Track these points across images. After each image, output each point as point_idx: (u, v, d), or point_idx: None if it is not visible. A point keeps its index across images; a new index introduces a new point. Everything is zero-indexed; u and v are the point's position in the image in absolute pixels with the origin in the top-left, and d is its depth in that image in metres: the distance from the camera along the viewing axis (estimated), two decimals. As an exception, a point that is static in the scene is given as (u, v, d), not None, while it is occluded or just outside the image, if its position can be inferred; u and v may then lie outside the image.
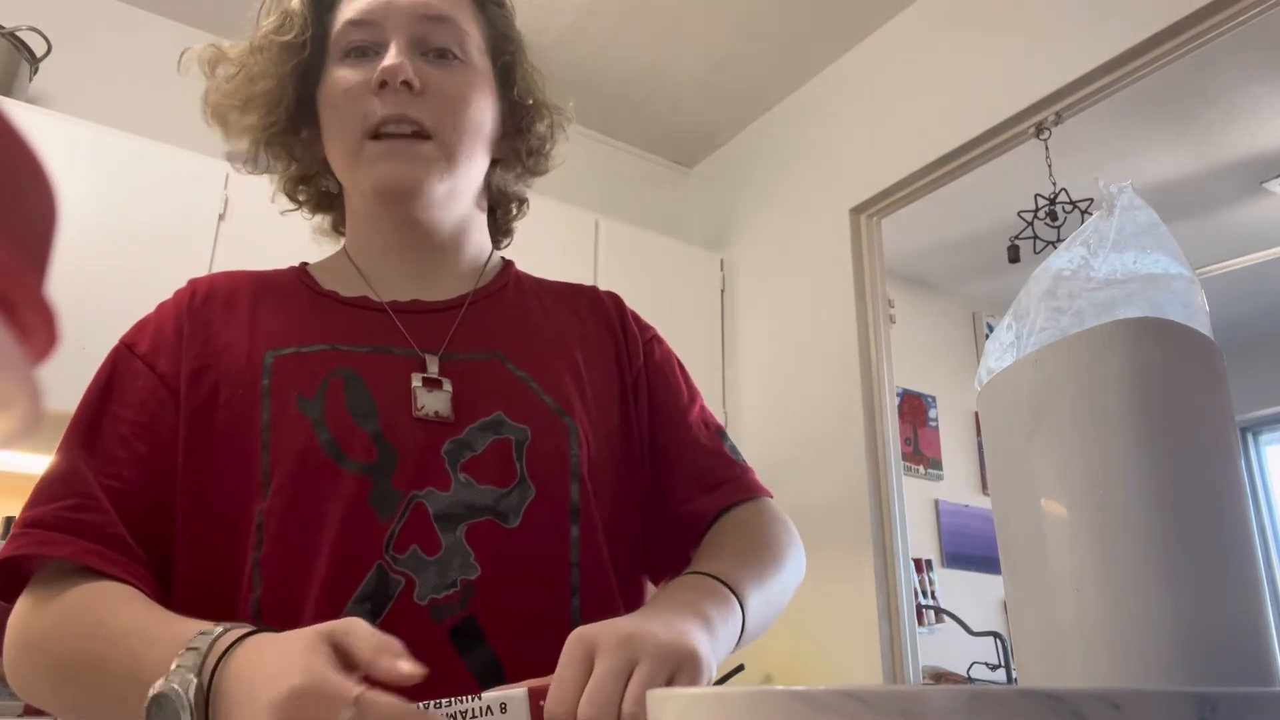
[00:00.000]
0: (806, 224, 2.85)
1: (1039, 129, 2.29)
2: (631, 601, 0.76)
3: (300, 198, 0.91)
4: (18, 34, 2.22)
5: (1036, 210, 2.64)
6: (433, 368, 0.75)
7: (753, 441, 2.83)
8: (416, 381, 0.73)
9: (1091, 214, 0.51)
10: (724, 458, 0.85)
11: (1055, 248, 0.59)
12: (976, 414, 0.50)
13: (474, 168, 0.80)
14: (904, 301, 3.87)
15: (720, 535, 0.78)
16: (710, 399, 2.92)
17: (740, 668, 2.54)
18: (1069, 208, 2.59)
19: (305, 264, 0.86)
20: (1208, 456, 0.41)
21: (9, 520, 2.03)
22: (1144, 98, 2.74)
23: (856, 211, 2.70)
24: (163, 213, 2.22)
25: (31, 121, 2.06)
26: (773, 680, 2.55)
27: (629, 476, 0.80)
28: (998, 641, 3.22)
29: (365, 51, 0.77)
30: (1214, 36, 1.96)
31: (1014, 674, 2.73)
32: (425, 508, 0.68)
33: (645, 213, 3.23)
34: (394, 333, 0.77)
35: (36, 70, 2.31)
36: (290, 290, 0.81)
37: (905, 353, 3.56)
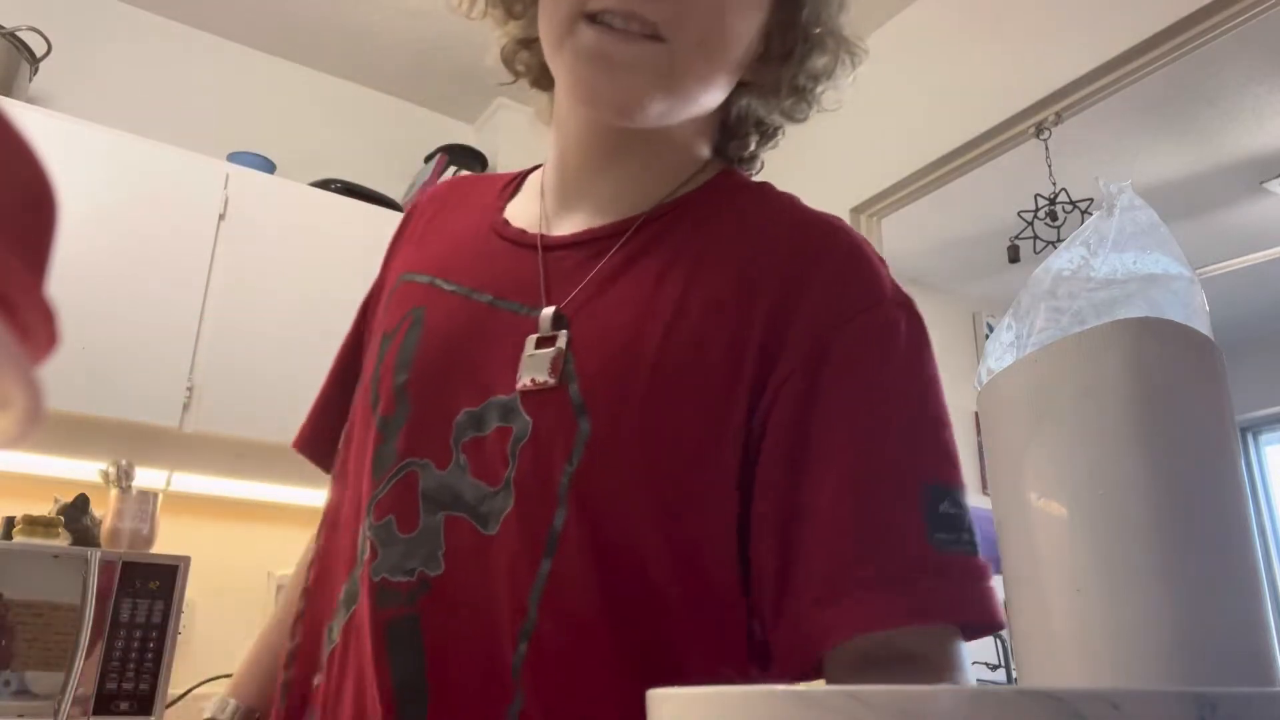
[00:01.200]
0: (806, 224, 2.85)
1: (1039, 129, 2.29)
2: (636, 675, 0.53)
3: (519, 67, 0.77)
4: (18, 34, 2.22)
5: (1036, 210, 2.64)
6: (546, 325, 0.61)
7: (753, 441, 2.83)
8: (530, 346, 0.61)
9: (1091, 214, 0.51)
10: (899, 553, 0.52)
11: (1055, 248, 0.59)
12: (976, 414, 0.50)
13: (709, 95, 0.64)
14: (904, 301, 3.86)
15: None
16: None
17: (740, 668, 2.54)
18: (1069, 208, 2.59)
19: (535, 170, 0.79)
20: (1208, 456, 0.41)
21: (9, 520, 2.03)
22: (1144, 98, 2.74)
23: (856, 211, 2.70)
24: (163, 213, 2.22)
25: (31, 121, 2.06)
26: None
27: (700, 510, 0.57)
28: (998, 641, 3.21)
29: None
30: (1214, 36, 1.96)
31: (1014, 674, 2.73)
32: (416, 479, 0.60)
33: (645, 213, 3.22)
34: (516, 277, 0.65)
35: (36, 70, 2.31)
36: (475, 207, 0.75)
37: (905, 353, 3.54)
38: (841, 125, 2.83)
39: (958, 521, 0.54)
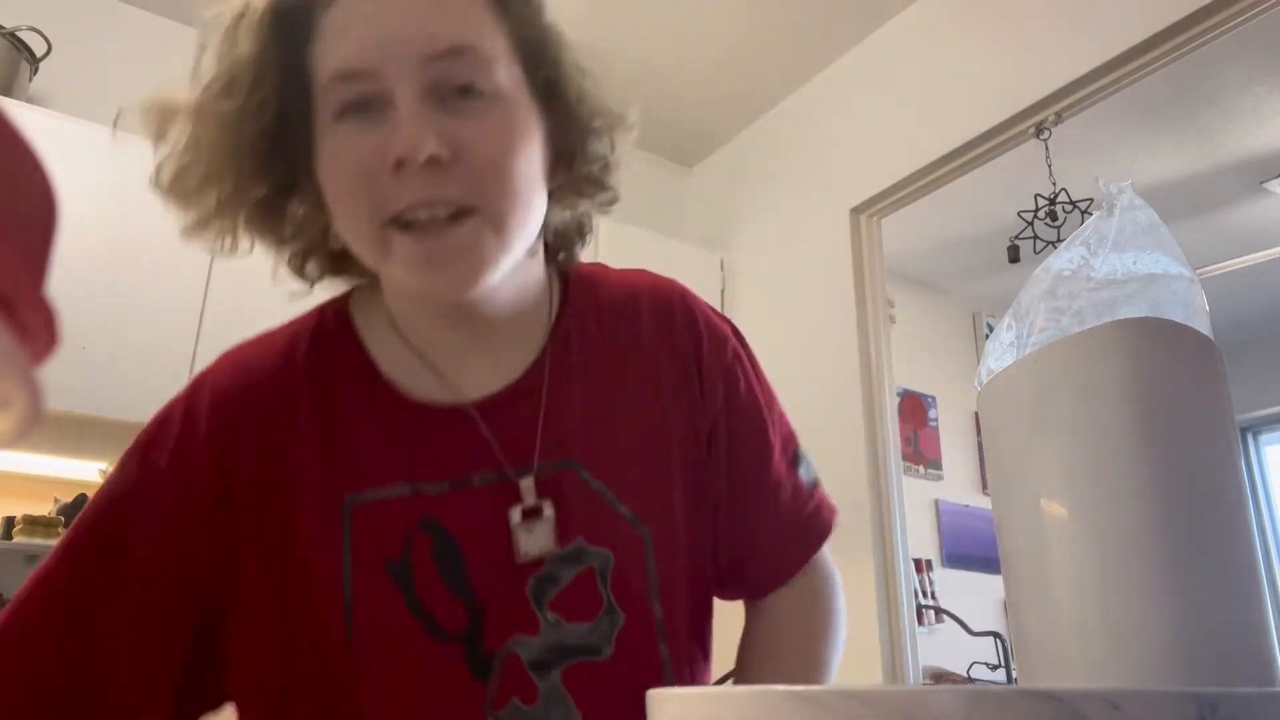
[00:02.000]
0: (806, 224, 2.85)
1: (1039, 129, 2.29)
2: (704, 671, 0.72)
3: (310, 275, 0.71)
4: (18, 34, 2.22)
5: (1036, 210, 2.64)
6: (529, 495, 0.65)
7: (753, 441, 2.83)
8: (515, 518, 0.64)
9: (1091, 214, 0.51)
10: (796, 524, 0.76)
11: (1055, 248, 0.60)
12: (976, 414, 0.50)
13: (530, 225, 0.64)
14: (904, 301, 3.87)
15: (761, 658, 0.74)
16: (710, 399, 2.95)
17: (740, 668, 2.54)
18: (1069, 208, 2.59)
19: (350, 319, 0.70)
20: (1208, 456, 0.41)
21: (9, 520, 2.03)
22: (1144, 98, 2.74)
23: (856, 211, 2.70)
24: (163, 213, 2.21)
25: (31, 121, 2.06)
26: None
27: (702, 548, 0.72)
28: (998, 641, 3.22)
29: (366, 106, 0.58)
30: (1214, 36, 1.96)
31: (1014, 674, 2.73)
32: (519, 658, 0.63)
33: (645, 212, 3.23)
34: (477, 451, 0.66)
35: (36, 70, 2.31)
36: (354, 395, 0.67)
37: (905, 353, 3.56)
38: (841, 126, 2.83)
39: (811, 476, 0.79)
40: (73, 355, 1.95)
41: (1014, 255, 2.75)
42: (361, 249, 0.62)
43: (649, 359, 0.72)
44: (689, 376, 0.72)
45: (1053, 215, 2.60)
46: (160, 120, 0.65)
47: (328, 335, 0.69)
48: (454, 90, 0.58)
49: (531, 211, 0.63)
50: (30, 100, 2.29)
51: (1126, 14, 2.04)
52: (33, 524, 2.00)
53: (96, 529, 0.63)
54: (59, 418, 1.93)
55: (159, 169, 0.66)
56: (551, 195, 0.68)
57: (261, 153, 0.63)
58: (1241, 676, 0.37)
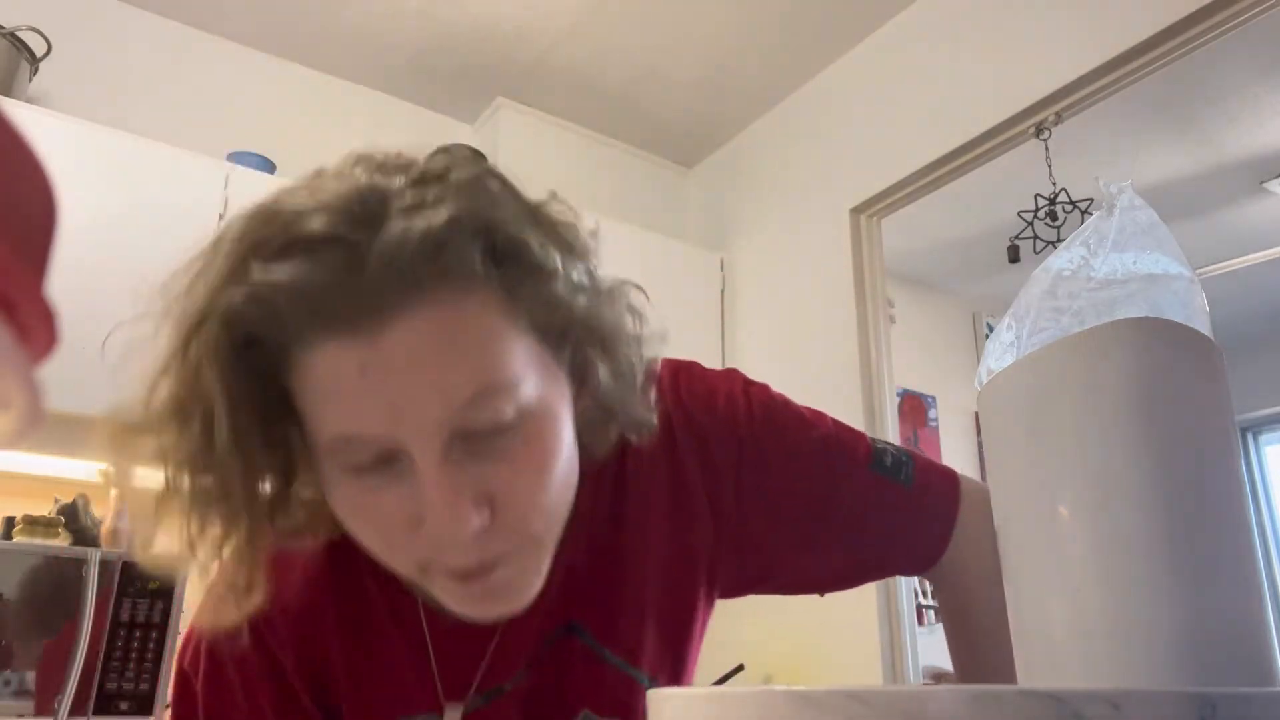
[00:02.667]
0: (806, 224, 2.85)
1: (1039, 129, 2.29)
2: None
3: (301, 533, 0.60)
4: (18, 34, 2.22)
5: (1036, 210, 2.64)
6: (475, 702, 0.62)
7: (753, 441, 2.83)
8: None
9: (1091, 214, 0.51)
10: (913, 523, 0.71)
11: (1055, 248, 0.60)
12: (976, 414, 0.50)
13: (567, 505, 0.57)
14: (904, 301, 3.87)
15: (952, 619, 0.72)
16: (710, 399, 2.95)
17: (740, 668, 2.54)
18: (1069, 208, 2.59)
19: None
20: (1208, 456, 0.41)
21: (9, 521, 2.03)
22: (1144, 98, 2.74)
23: (856, 211, 2.70)
24: (163, 213, 2.22)
25: (31, 121, 2.06)
26: (773, 680, 2.55)
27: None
28: (998, 641, 3.21)
29: (378, 465, 0.49)
30: (1214, 37, 1.96)
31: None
32: None
33: (645, 213, 3.23)
34: (490, 664, 0.63)
35: (36, 70, 2.31)
36: (381, 626, 0.63)
37: (905, 353, 3.56)
38: (841, 126, 2.83)
39: (896, 460, 0.71)
40: (73, 355, 1.95)
41: (1014, 255, 2.75)
42: (391, 565, 0.55)
43: (669, 524, 0.67)
44: (714, 491, 0.67)
45: (1053, 215, 2.60)
46: (122, 459, 0.55)
47: (342, 549, 0.61)
48: (481, 432, 0.49)
49: (566, 500, 0.57)
50: (30, 100, 2.29)
51: (1126, 14, 2.04)
52: (33, 524, 2.00)
53: None
54: (59, 418, 1.92)
55: (130, 543, 0.56)
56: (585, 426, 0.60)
57: (251, 495, 0.52)
58: (1241, 676, 0.37)
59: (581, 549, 0.64)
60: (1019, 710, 0.26)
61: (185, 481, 0.52)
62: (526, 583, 0.55)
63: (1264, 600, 0.40)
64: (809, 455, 0.69)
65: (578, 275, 0.54)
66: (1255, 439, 4.78)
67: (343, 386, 0.47)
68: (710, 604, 0.70)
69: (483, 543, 0.50)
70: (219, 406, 0.49)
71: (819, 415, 0.72)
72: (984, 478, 0.55)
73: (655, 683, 0.65)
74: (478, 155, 0.54)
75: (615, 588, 0.65)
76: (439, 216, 0.46)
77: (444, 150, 0.53)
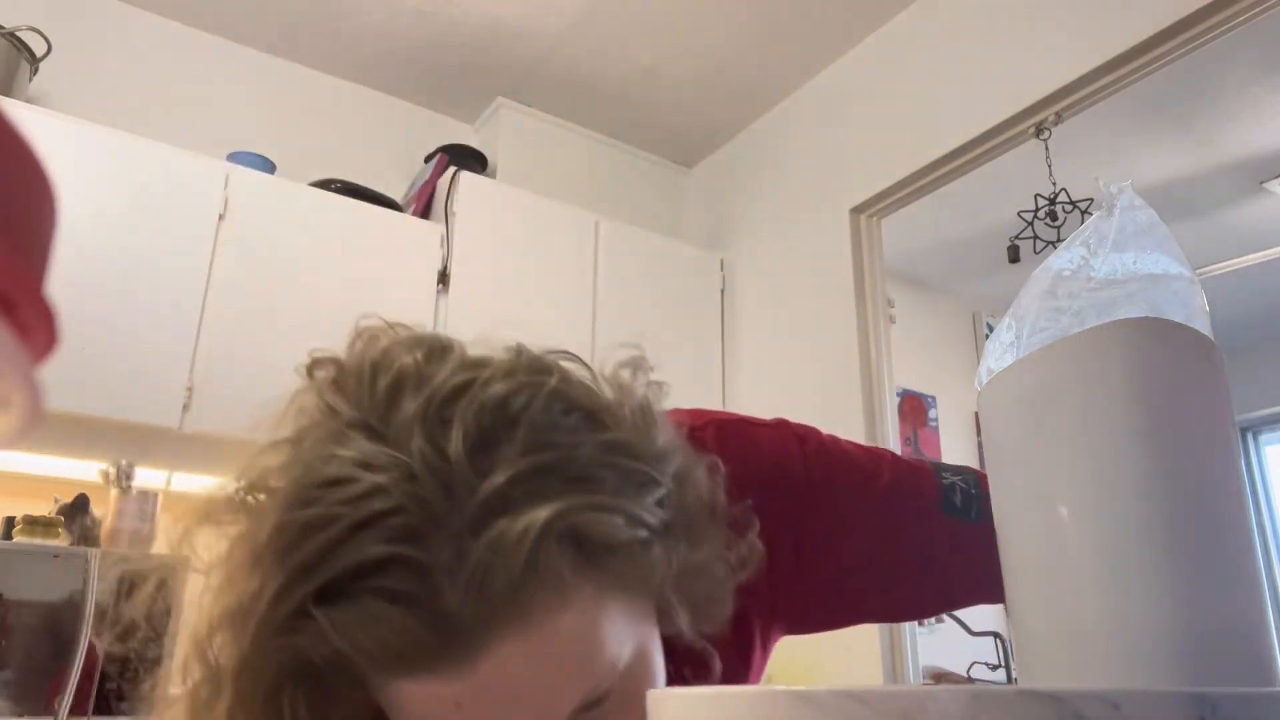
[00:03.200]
0: (806, 224, 2.85)
1: (1039, 129, 2.29)
2: None
3: None
4: (18, 34, 2.22)
5: (1036, 210, 2.64)
6: None
7: (753, 441, 2.83)
8: None
9: (1091, 214, 0.51)
10: (979, 568, 0.60)
11: (1055, 248, 0.59)
12: (976, 414, 0.50)
13: None
14: (904, 301, 3.86)
15: None
16: (710, 399, 2.94)
17: (740, 668, 2.54)
18: (1069, 208, 2.59)
19: None
20: (1208, 456, 0.41)
21: (9, 520, 2.03)
22: (1144, 98, 2.74)
23: (856, 211, 2.70)
24: (163, 213, 2.22)
25: (31, 121, 2.06)
26: (773, 680, 2.55)
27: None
28: (998, 641, 3.21)
29: None
30: (1214, 36, 1.96)
31: (1014, 674, 2.73)
32: None
33: (645, 213, 3.23)
34: None
35: (36, 70, 2.31)
36: None
37: (905, 353, 3.56)
38: (841, 126, 2.83)
39: (965, 495, 0.65)
40: (73, 355, 1.95)
41: (1014, 255, 2.75)
42: None
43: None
44: (772, 537, 0.58)
45: (1053, 215, 2.59)
46: None
47: None
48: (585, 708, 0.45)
49: None
50: (30, 100, 2.29)
51: (1127, 14, 2.04)
52: (33, 524, 2.00)
53: None
54: (59, 418, 1.93)
55: None
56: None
57: None
58: (1241, 676, 0.37)
59: None
60: (1019, 710, 0.26)
61: None
62: None
63: (1264, 600, 0.40)
64: (874, 507, 0.64)
65: (662, 516, 0.46)
66: (1255, 439, 4.78)
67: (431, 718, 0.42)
68: (768, 645, 0.65)
69: None
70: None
71: (877, 458, 0.67)
72: (984, 478, 0.55)
73: None
74: (539, 367, 0.47)
75: None
76: (521, 536, 0.39)
77: (504, 361, 0.46)
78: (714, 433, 0.64)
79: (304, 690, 0.43)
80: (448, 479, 0.40)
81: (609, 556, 0.43)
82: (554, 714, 0.43)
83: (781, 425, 0.67)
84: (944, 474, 0.67)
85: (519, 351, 0.48)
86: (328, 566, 0.39)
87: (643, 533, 0.45)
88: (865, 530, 0.64)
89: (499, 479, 0.40)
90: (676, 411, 0.64)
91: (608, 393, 0.49)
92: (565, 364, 0.49)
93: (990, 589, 0.65)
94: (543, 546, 0.40)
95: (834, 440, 0.68)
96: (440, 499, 0.39)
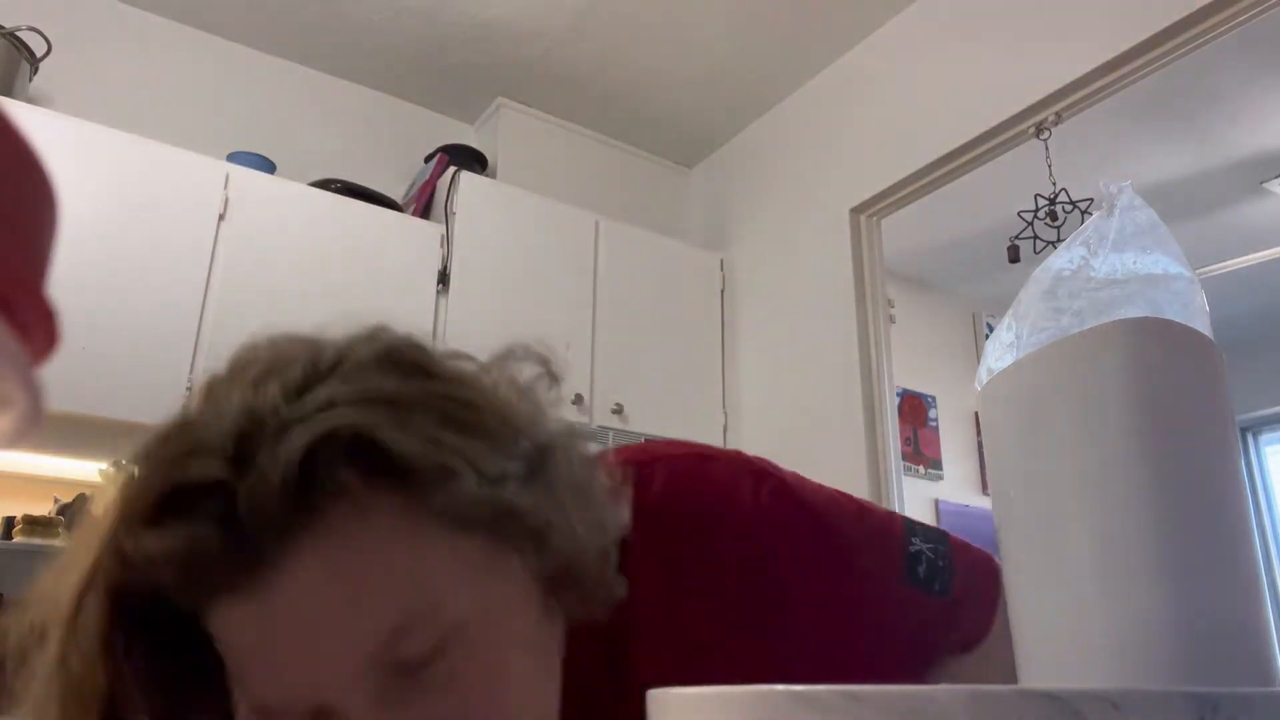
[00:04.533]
0: (806, 224, 2.85)
1: (1039, 129, 2.29)
2: None
3: None
4: (18, 34, 2.22)
5: (1036, 210, 2.64)
6: None
7: (752, 442, 2.83)
8: None
9: (1091, 214, 0.51)
10: (934, 631, 0.63)
11: (1055, 248, 0.60)
12: (976, 414, 0.50)
13: (551, 695, 0.51)
14: (904, 301, 3.87)
15: None
16: (710, 399, 2.94)
17: (740, 668, 2.54)
18: (1069, 208, 2.59)
19: None
20: (1208, 456, 0.41)
21: (9, 520, 2.03)
22: (1144, 98, 2.74)
23: (856, 211, 2.70)
24: (163, 213, 2.22)
25: (31, 121, 2.06)
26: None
27: None
28: (998, 641, 3.21)
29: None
30: (1214, 36, 1.96)
31: (1014, 674, 2.73)
32: None
33: (645, 213, 3.23)
34: None
35: (36, 70, 2.31)
36: None
37: (905, 353, 3.56)
38: (841, 126, 2.83)
39: (930, 566, 0.62)
40: (73, 355, 1.95)
41: (1014, 255, 2.75)
42: None
43: (659, 610, 0.60)
44: (715, 581, 0.59)
45: (1053, 215, 2.59)
46: None
47: None
48: (414, 663, 0.43)
49: (547, 694, 0.50)
50: (30, 100, 2.29)
51: (1126, 14, 2.04)
52: (33, 524, 2.00)
53: None
54: (59, 418, 1.93)
55: None
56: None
57: None
58: (1241, 676, 0.37)
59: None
60: (1018, 710, 0.26)
61: None
62: None
63: (1264, 600, 0.40)
64: (829, 561, 0.61)
65: (499, 462, 0.45)
66: (1255, 439, 4.78)
67: (246, 652, 0.42)
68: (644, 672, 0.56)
69: None
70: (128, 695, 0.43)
71: (840, 509, 0.63)
72: (984, 477, 0.54)
73: None
74: (389, 336, 0.47)
75: None
76: (300, 440, 0.40)
77: (364, 335, 0.47)
78: (663, 468, 0.61)
79: (137, 642, 0.43)
80: (258, 415, 0.41)
81: (417, 481, 0.42)
82: (363, 642, 0.41)
83: (739, 460, 0.63)
84: (914, 538, 0.63)
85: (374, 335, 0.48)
86: (150, 493, 0.41)
87: (461, 466, 0.43)
88: (812, 585, 0.60)
89: (303, 408, 0.41)
90: (627, 448, 0.63)
91: (469, 366, 0.49)
92: (454, 362, 0.49)
93: (950, 647, 0.65)
94: (325, 448, 0.40)
95: (798, 480, 0.63)
96: (246, 429, 0.41)
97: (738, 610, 0.59)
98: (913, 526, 0.65)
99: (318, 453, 0.40)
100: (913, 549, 0.62)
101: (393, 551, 0.42)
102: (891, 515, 0.66)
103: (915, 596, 0.62)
